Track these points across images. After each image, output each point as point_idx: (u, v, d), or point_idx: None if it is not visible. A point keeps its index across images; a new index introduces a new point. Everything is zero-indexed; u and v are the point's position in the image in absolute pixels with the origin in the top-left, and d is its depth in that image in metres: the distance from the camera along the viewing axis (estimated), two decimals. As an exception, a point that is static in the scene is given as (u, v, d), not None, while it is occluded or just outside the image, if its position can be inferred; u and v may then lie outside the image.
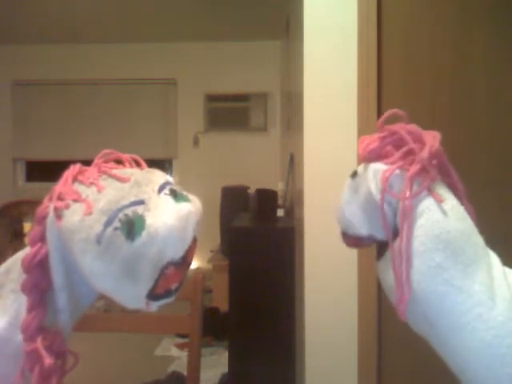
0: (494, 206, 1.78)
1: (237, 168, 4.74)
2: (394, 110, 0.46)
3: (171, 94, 4.91)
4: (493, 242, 0.48)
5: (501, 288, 0.39)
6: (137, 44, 4.82)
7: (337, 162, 1.82)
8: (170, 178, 0.45)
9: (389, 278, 0.43)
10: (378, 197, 0.42)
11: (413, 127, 0.44)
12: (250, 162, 4.78)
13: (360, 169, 0.46)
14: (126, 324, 1.16)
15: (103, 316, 1.15)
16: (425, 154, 0.42)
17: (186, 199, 0.43)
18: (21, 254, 0.44)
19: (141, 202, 0.40)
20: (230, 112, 4.83)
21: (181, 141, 4.91)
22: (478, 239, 0.41)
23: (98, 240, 0.38)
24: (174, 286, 0.41)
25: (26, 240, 0.43)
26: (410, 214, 0.40)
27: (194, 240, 0.42)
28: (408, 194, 0.41)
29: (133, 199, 0.40)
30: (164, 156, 4.96)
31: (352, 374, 1.82)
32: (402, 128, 0.44)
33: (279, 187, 3.21)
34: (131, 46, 4.84)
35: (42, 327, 0.42)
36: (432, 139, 0.43)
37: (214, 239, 4.07)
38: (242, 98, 4.79)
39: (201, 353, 1.15)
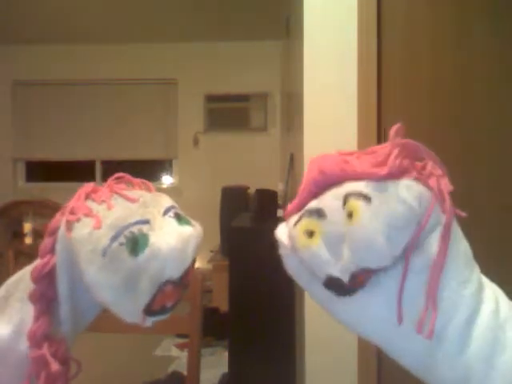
0: (495, 206, 1.78)
1: (237, 168, 4.73)
2: (400, 125, 0.41)
3: (171, 94, 4.90)
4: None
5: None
6: (137, 44, 4.82)
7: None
8: (175, 203, 0.49)
9: (375, 313, 0.39)
10: (418, 211, 0.37)
11: (419, 143, 0.41)
12: (250, 162, 4.78)
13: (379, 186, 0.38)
14: (126, 324, 1.15)
15: (103, 316, 1.15)
16: (439, 170, 0.40)
17: (188, 223, 0.46)
18: (31, 266, 0.47)
19: (146, 222, 0.43)
20: (230, 112, 4.82)
21: (181, 141, 4.90)
22: (474, 264, 0.40)
23: (104, 253, 0.41)
24: (169, 304, 0.44)
25: (39, 250, 0.46)
26: (450, 229, 0.38)
27: (193, 262, 0.45)
28: (450, 208, 0.38)
29: (139, 218, 0.43)
30: (164, 156, 4.96)
31: (352, 373, 1.82)
32: (416, 143, 0.41)
33: (279, 187, 3.21)
34: (131, 46, 4.84)
35: (48, 335, 0.44)
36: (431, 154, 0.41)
37: (214, 239, 4.06)
38: (242, 98, 4.79)
39: (201, 353, 1.15)
